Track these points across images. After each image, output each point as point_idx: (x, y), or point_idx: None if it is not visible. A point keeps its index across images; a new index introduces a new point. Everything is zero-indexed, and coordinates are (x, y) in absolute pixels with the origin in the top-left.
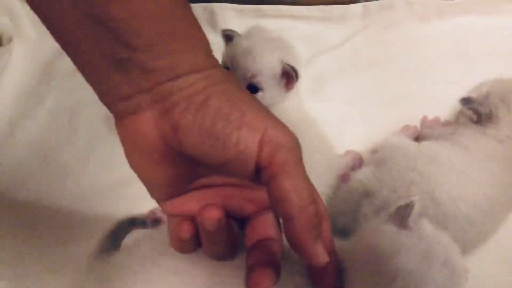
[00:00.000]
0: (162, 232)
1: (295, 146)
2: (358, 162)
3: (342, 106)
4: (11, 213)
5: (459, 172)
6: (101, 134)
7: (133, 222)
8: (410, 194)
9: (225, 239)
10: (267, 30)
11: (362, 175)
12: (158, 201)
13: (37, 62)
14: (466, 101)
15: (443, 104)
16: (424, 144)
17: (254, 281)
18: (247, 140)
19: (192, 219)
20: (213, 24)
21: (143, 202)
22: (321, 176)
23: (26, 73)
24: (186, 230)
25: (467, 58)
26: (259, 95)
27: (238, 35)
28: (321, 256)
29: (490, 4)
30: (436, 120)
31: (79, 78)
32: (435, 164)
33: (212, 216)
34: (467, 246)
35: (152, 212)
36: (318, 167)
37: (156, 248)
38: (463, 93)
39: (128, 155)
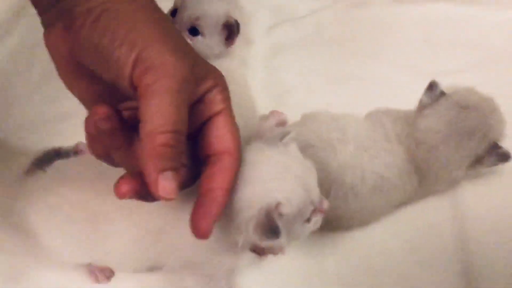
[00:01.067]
0: (73, 164)
1: (172, 70)
2: (281, 123)
3: (292, 77)
4: None
5: (357, 144)
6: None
7: (58, 153)
8: (306, 156)
9: (124, 143)
10: None
11: (271, 135)
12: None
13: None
14: (431, 85)
15: (397, 89)
16: (342, 115)
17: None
18: (123, 58)
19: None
20: None
21: (79, 137)
22: None
23: None
24: (89, 122)
25: (432, 46)
26: (199, 39)
27: None
28: (162, 190)
29: None
30: None
31: None
32: (338, 132)
33: (103, 112)
34: (352, 218)
35: (77, 145)
36: None
37: (59, 178)
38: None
39: (56, 67)
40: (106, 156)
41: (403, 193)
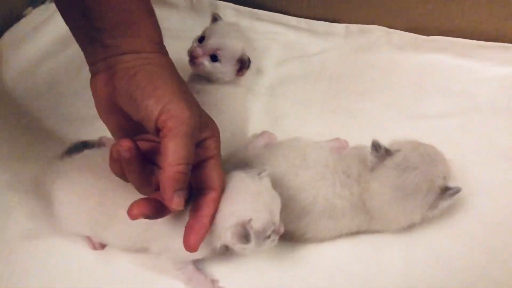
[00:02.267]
0: (96, 154)
1: (187, 120)
2: (271, 142)
3: (290, 105)
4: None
5: (316, 171)
6: None
7: (85, 144)
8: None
9: (136, 169)
10: (244, 30)
11: (252, 150)
12: (117, 137)
13: None
14: (373, 145)
15: (382, 125)
16: (315, 143)
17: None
18: (151, 107)
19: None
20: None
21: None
22: (222, 143)
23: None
24: (113, 149)
25: (422, 90)
26: (217, 65)
27: (222, 20)
28: (175, 204)
29: (460, 46)
30: None
31: None
32: (301, 159)
33: (125, 145)
34: (305, 233)
35: (100, 138)
36: (224, 136)
37: (83, 163)
38: (405, 120)
39: (95, 104)
40: (121, 174)
41: (352, 223)
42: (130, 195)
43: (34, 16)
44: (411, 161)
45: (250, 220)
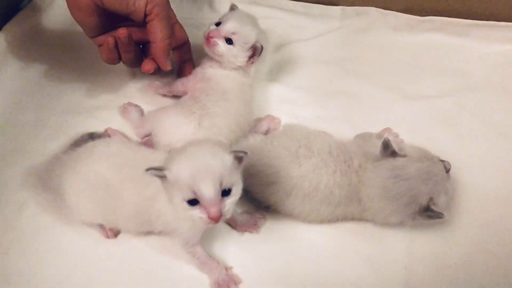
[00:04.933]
0: (99, 144)
1: (166, 5)
2: (274, 126)
3: (291, 89)
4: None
5: (319, 159)
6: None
7: (92, 136)
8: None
9: (133, 49)
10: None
11: (253, 140)
12: (91, 37)
13: None
14: (384, 144)
15: (380, 107)
16: (315, 131)
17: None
18: (139, 1)
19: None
20: (211, 4)
21: (108, 124)
22: (227, 131)
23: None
24: (110, 40)
25: (418, 70)
26: (230, 47)
27: (239, 9)
28: (168, 65)
29: (455, 26)
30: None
31: None
32: (305, 148)
33: (123, 32)
34: (309, 216)
35: (106, 130)
36: (229, 125)
37: (87, 153)
38: (402, 101)
39: (70, 11)
40: (115, 60)
41: (346, 211)
42: (130, 176)
43: (31, 8)
44: (407, 171)
45: (167, 169)
